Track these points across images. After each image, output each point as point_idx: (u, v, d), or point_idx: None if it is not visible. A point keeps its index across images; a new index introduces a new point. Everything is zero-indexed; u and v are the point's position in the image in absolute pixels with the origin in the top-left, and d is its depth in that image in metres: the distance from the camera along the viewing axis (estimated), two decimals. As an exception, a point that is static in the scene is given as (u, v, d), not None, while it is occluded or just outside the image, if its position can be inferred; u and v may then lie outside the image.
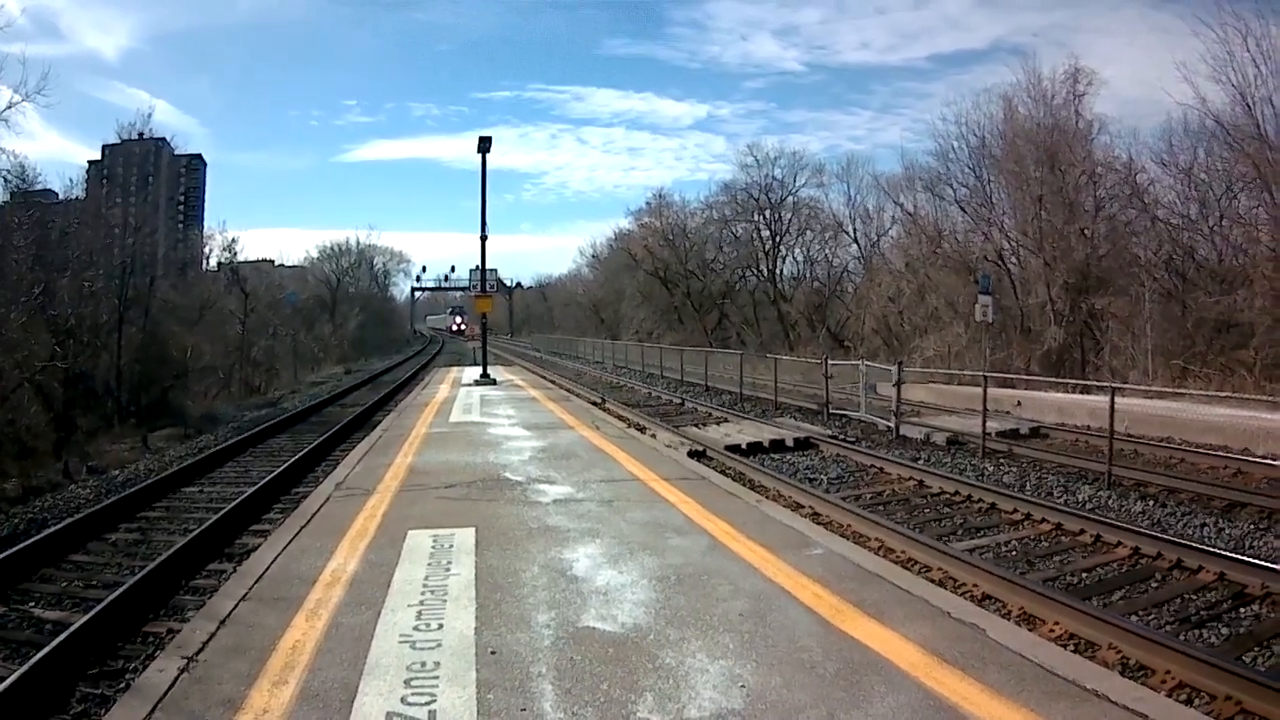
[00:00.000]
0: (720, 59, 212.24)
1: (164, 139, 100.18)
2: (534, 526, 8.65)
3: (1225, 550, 9.45)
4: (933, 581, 8.07)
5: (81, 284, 30.49)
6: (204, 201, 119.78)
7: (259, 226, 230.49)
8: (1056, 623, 7.41)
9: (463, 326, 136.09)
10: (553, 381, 34.22)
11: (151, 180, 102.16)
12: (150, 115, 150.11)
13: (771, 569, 7.08)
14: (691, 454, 14.71)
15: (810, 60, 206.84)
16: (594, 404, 23.45)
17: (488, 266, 32.93)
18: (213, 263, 62.71)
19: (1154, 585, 8.75)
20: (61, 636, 7.38)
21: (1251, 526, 10.95)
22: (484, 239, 30.54)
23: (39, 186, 36.99)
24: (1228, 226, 30.77)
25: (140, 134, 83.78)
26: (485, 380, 29.76)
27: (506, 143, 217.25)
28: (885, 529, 10.51)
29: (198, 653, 5.40)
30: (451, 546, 7.79)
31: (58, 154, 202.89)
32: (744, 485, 12.08)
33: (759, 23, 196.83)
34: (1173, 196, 33.32)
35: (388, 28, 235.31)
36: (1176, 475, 13.97)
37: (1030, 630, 6.98)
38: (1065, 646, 6.64)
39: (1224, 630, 7.54)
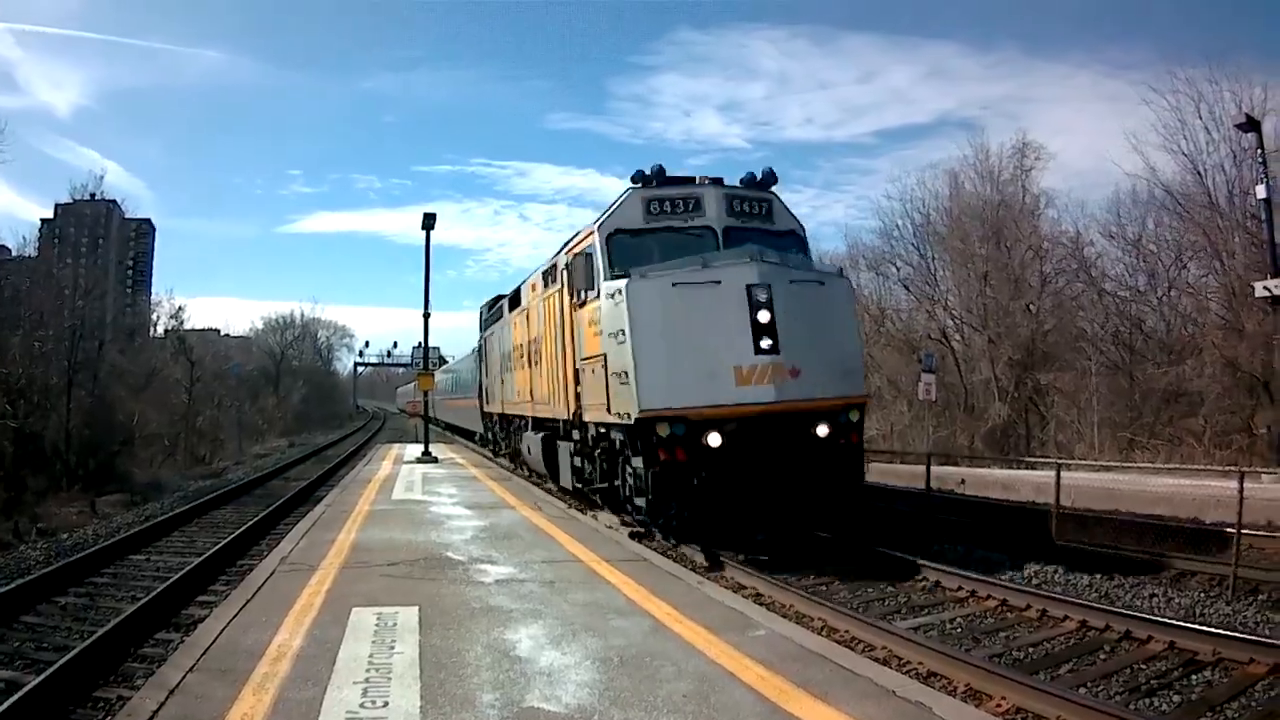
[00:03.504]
0: (664, 135, 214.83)
1: (115, 201, 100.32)
2: (477, 606, 8.64)
3: (1174, 619, 9.54)
4: (877, 660, 8.06)
5: (32, 344, 30.44)
6: (152, 267, 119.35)
7: (205, 295, 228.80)
8: (1004, 698, 7.34)
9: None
10: (494, 460, 34.01)
11: (102, 242, 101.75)
12: (103, 177, 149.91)
13: (715, 650, 7.08)
14: (633, 535, 14.46)
15: (754, 136, 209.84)
16: (535, 484, 23.26)
17: (430, 344, 32.93)
18: (159, 330, 62.42)
19: (1103, 657, 8.83)
20: (15, 697, 7.36)
21: (1202, 594, 11.12)
22: (427, 316, 30.57)
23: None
24: (1176, 296, 31.44)
25: (92, 195, 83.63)
26: (427, 458, 29.64)
27: (449, 218, 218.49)
28: (828, 609, 10.34)
29: (149, 721, 5.38)
30: (395, 625, 7.77)
31: (7, 209, 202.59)
32: (686, 567, 12.03)
33: (703, 98, 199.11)
34: (1120, 269, 34.21)
35: (335, 96, 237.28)
36: (1124, 547, 14.03)
37: (977, 706, 6.99)
38: (1013, 722, 6.58)
39: (1175, 698, 7.63)
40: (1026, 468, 22.99)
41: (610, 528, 14.93)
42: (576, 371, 15.50)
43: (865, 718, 5.61)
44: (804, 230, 15.13)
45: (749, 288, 12.45)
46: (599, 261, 14.06)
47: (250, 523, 17.91)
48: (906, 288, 42.33)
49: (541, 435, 19.56)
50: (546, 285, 18.32)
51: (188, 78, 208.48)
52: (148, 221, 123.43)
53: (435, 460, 29.47)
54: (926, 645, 8.79)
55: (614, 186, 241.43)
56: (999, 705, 7.24)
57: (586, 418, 15.40)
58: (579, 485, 17.10)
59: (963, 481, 21.97)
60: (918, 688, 6.53)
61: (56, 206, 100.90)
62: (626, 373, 12.73)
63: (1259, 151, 24.56)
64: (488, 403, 31.22)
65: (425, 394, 33.08)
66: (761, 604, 10.36)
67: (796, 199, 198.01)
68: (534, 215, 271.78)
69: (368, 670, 6.40)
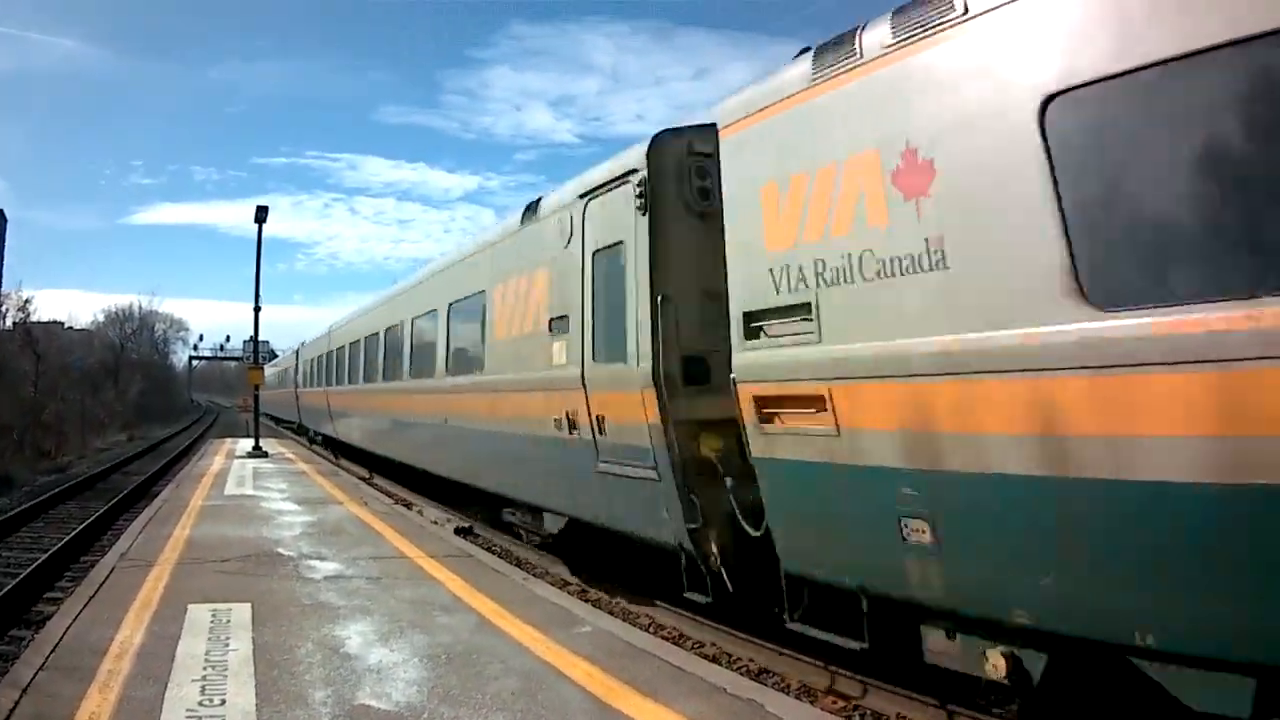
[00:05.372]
0: (492, 130, 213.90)
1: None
2: (307, 603, 8.53)
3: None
4: (706, 657, 7.67)
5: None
6: (3, 258, 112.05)
7: (50, 287, 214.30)
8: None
9: None
10: (323, 456, 33.31)
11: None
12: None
13: (541, 648, 7.04)
14: (458, 531, 14.15)
15: (584, 132, 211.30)
16: (362, 479, 22.78)
17: (261, 338, 32.20)
18: (8, 322, 59.06)
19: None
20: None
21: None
22: (258, 310, 29.88)
23: None
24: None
25: (-49, 183, 78.57)
26: (258, 453, 28.76)
27: (281, 210, 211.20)
28: (655, 606, 9.64)
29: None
30: (229, 621, 7.66)
31: None
32: (511, 563, 11.65)
33: (535, 93, 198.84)
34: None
35: (182, 87, 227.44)
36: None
37: (811, 704, 6.56)
38: (849, 719, 6.45)
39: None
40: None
41: (436, 523, 14.80)
42: None
43: (695, 715, 5.57)
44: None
45: None
46: None
47: (93, 518, 17.18)
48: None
49: None
50: None
51: (43, 65, 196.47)
52: (0, 212, 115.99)
53: (266, 455, 28.62)
54: (757, 642, 8.21)
55: (442, 181, 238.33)
56: (834, 702, 6.74)
57: None
58: None
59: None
60: (749, 685, 6.44)
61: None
62: None
63: None
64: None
65: (256, 388, 32.25)
66: (587, 600, 9.88)
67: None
68: (363, 209, 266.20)
69: (205, 668, 6.34)
